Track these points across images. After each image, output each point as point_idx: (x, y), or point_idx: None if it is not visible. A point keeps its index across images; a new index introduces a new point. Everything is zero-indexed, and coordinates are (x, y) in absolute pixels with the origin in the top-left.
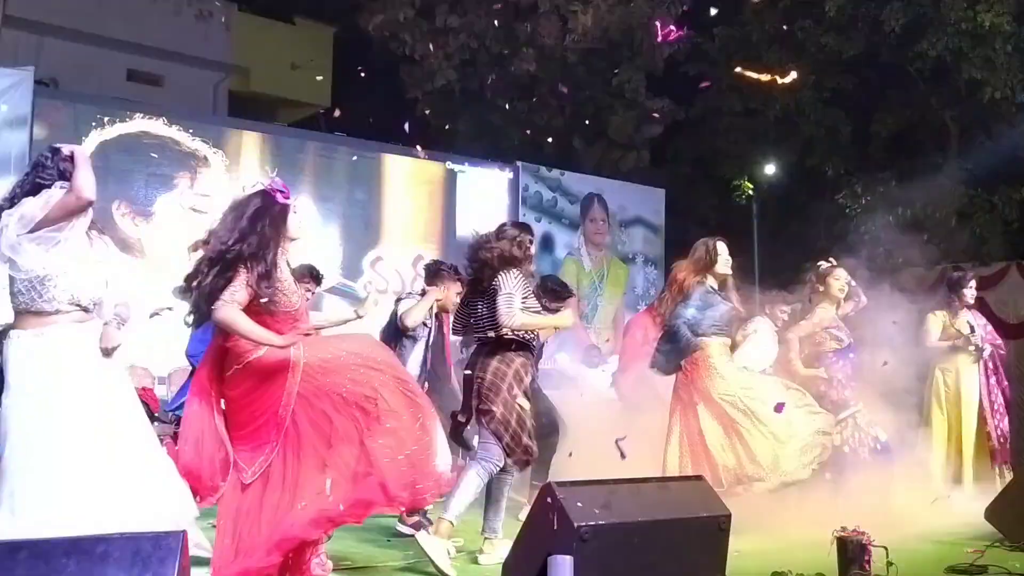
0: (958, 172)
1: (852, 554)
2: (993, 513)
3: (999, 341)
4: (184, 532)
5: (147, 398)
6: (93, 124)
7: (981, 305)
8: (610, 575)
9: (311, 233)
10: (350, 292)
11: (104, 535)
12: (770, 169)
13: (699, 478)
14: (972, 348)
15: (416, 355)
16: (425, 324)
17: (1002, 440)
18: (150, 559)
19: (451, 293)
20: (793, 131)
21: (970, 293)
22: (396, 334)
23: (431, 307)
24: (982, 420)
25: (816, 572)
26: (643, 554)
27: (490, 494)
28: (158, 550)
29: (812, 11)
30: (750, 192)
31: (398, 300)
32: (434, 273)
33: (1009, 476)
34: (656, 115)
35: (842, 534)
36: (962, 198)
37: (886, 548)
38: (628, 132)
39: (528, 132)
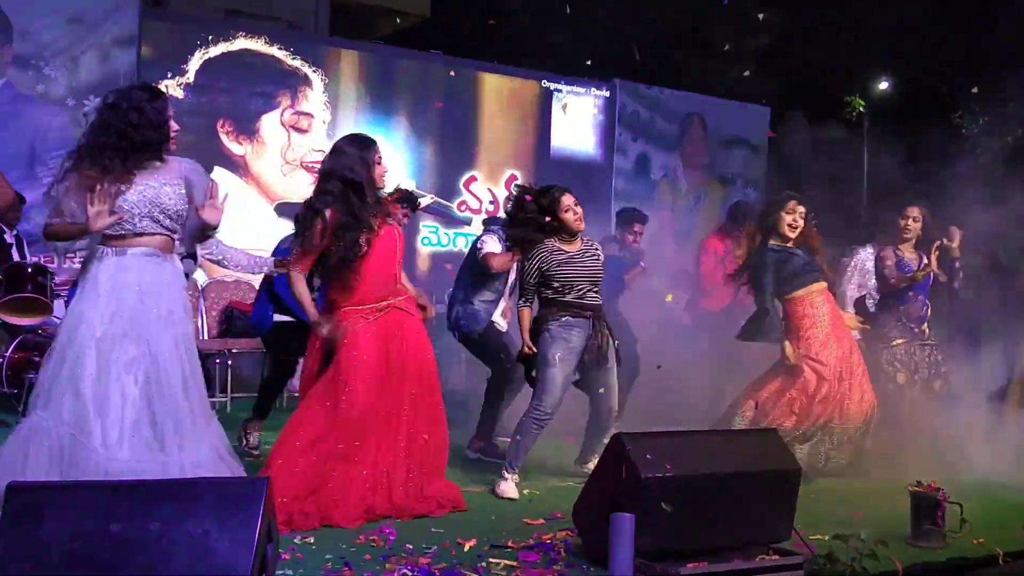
0: None
1: (925, 509)
2: None
3: None
4: (268, 478)
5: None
6: (198, 43)
7: None
8: (676, 527)
9: (407, 152)
10: (445, 211)
11: (194, 479)
12: (883, 85)
13: (772, 431)
14: None
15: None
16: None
17: None
18: (237, 502)
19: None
20: (908, 46)
21: None
22: (475, 267)
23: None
24: None
25: (880, 539)
26: (710, 506)
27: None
28: (245, 494)
29: None
30: (861, 109)
31: (485, 231)
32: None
33: None
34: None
35: (916, 489)
36: None
37: (960, 505)
38: (733, 44)
39: (627, 45)
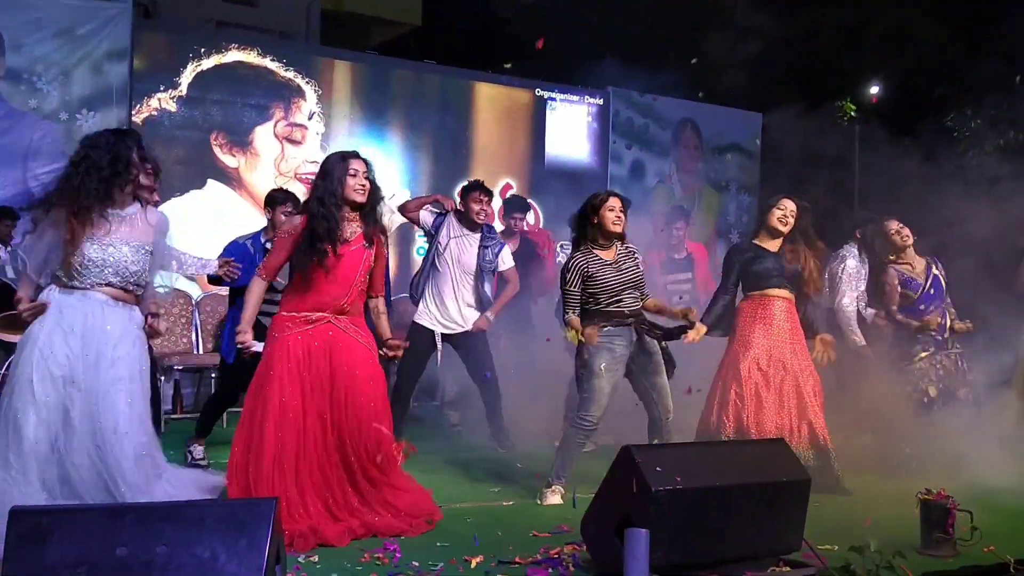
0: None
1: (935, 517)
2: None
3: None
4: (277, 499)
5: None
6: (190, 56)
7: None
8: (687, 539)
9: (401, 162)
10: None
11: (200, 501)
12: (874, 89)
13: (780, 441)
14: None
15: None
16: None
17: None
18: (244, 524)
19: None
20: (900, 49)
21: None
22: None
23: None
24: None
25: (898, 550)
26: (721, 518)
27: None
28: (252, 515)
29: None
30: (852, 114)
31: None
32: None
33: None
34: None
35: (925, 497)
36: None
37: (971, 512)
38: (725, 50)
39: (620, 51)
